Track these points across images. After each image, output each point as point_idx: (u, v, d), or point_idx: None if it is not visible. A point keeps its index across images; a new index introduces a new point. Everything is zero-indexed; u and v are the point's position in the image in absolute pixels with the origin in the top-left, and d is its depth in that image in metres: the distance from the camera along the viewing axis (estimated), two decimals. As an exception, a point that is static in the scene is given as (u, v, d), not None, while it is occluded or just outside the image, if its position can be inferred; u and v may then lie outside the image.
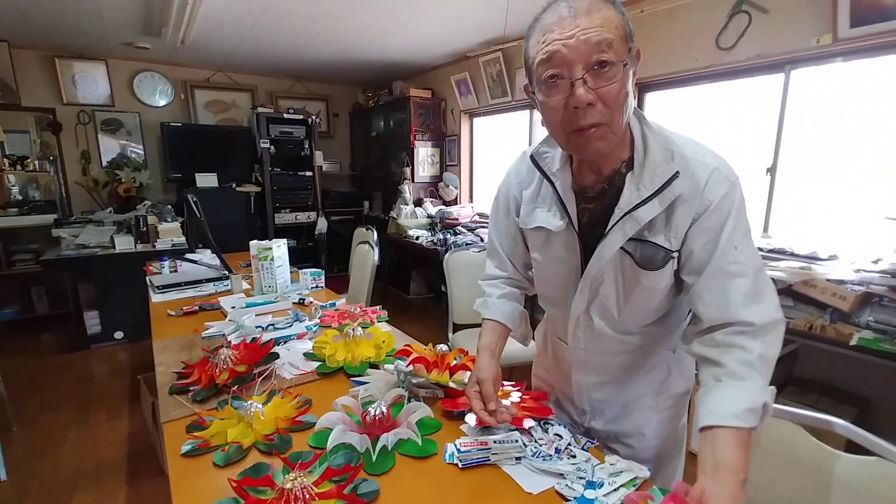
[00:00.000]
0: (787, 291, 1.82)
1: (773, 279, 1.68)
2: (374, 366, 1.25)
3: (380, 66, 4.30)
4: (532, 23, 0.76)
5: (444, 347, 1.16)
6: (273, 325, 1.57)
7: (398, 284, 4.56)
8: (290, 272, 2.18)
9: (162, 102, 4.30)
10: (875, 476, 0.70)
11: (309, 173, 4.48)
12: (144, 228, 3.54)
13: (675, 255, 0.81)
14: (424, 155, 4.37)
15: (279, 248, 2.02)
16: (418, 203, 4.21)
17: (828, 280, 1.78)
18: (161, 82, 4.28)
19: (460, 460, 0.86)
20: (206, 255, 2.62)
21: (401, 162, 4.32)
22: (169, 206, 3.84)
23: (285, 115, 4.34)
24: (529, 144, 3.64)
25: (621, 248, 0.82)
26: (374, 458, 0.86)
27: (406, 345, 1.23)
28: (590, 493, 0.77)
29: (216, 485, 0.81)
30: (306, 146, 4.45)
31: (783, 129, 2.22)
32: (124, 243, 3.45)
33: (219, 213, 3.85)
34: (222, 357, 1.17)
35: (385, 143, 4.69)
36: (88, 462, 2.04)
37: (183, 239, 3.58)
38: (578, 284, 0.89)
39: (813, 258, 1.95)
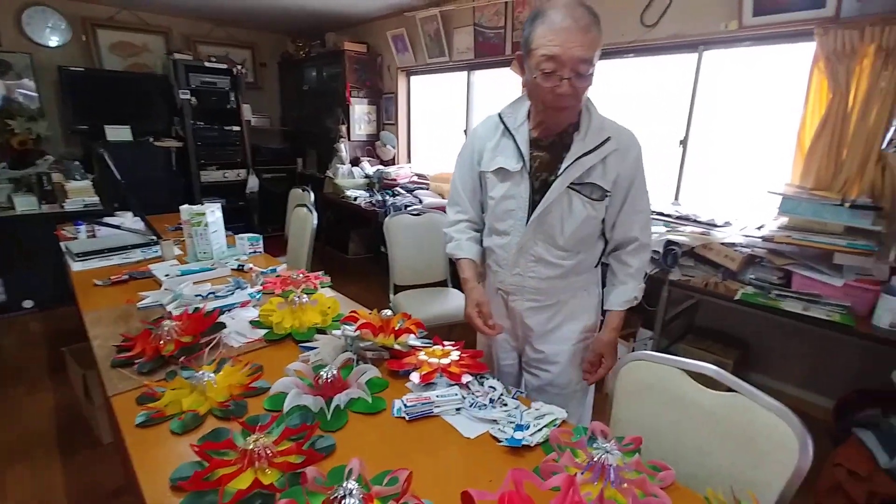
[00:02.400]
0: (689, 253, 2.08)
1: (678, 243, 1.90)
2: (322, 331, 1.31)
3: (310, 15, 4.04)
4: (541, 12, 1.00)
5: (388, 312, 1.25)
6: (214, 293, 1.56)
7: (336, 244, 4.52)
8: (226, 236, 2.13)
9: (56, 42, 3.79)
10: (733, 406, 0.89)
11: (237, 128, 4.22)
12: (49, 187, 3.21)
13: (609, 193, 1.14)
14: (361, 112, 4.26)
15: (213, 213, 1.96)
16: (355, 162, 4.14)
17: (722, 244, 2.05)
18: (54, 18, 3.75)
19: (407, 414, 0.97)
20: (128, 219, 2.46)
21: (336, 118, 4.19)
22: (76, 162, 3.48)
23: (206, 64, 4.00)
24: (468, 106, 3.68)
25: (571, 186, 1.11)
26: (328, 416, 0.94)
27: (352, 311, 1.30)
28: (518, 434, 0.91)
29: (176, 451, 0.86)
30: (232, 98, 4.16)
31: (695, 104, 2.44)
32: (25, 204, 3.12)
33: (136, 169, 3.55)
34: (166, 329, 1.18)
35: (318, 98, 4.50)
36: (14, 438, 1.95)
37: (97, 199, 3.29)
38: (529, 217, 1.15)
39: (711, 224, 2.22)
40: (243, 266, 1.87)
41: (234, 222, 3.64)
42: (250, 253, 2.08)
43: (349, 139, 4.17)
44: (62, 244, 2.14)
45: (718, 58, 2.37)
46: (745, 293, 1.89)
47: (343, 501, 0.66)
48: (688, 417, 0.94)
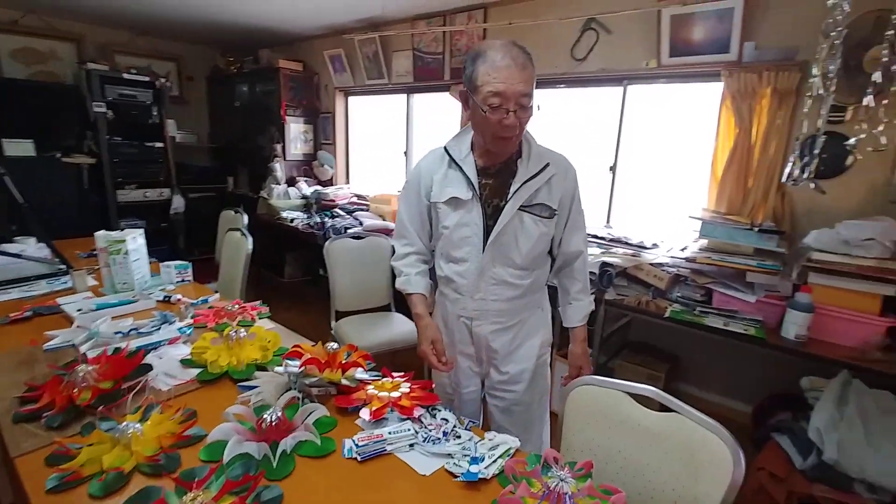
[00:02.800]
0: (622, 274, 2.20)
1: (611, 264, 1.99)
2: (262, 368, 1.24)
3: (243, 29, 3.91)
4: (480, 52, 1.10)
5: (334, 346, 1.20)
6: (136, 329, 1.42)
7: (272, 267, 4.32)
8: (150, 263, 1.96)
9: (-57, 44, 3.37)
10: (673, 425, 0.94)
11: (159, 144, 3.93)
12: (-72, 208, 2.79)
13: (557, 212, 1.24)
14: (297, 131, 4.15)
15: (135, 240, 1.81)
16: (291, 182, 4.00)
17: (651, 264, 2.20)
18: (-60, 18, 3.33)
19: (359, 454, 0.93)
20: (31, 245, 2.20)
21: (270, 137, 4.05)
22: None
23: (125, 76, 3.72)
24: (407, 128, 3.70)
25: (522, 208, 1.20)
26: (274, 463, 0.88)
27: (295, 345, 1.24)
28: (474, 468, 0.90)
29: (96, 519, 0.76)
30: (155, 113, 3.89)
31: (622, 133, 2.63)
32: None
33: (41, 188, 3.23)
34: (80, 374, 1.05)
35: (251, 115, 4.32)
36: None
37: (-10, 223, 2.92)
38: (486, 242, 1.21)
39: (641, 246, 2.38)
40: (170, 297, 1.73)
41: (158, 245, 3.37)
42: (178, 282, 1.93)
43: (284, 158, 4.04)
44: (-54, 276, 1.86)
45: (641, 92, 2.57)
46: (673, 311, 2.02)
47: (296, 563, 0.62)
48: (633, 438, 0.98)
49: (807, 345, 1.79)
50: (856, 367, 1.64)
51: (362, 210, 3.58)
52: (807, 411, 1.60)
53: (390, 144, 3.91)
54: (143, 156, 3.86)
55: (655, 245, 2.40)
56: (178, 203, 4.06)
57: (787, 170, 1.60)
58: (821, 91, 1.45)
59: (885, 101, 1.48)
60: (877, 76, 1.39)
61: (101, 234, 1.77)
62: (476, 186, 1.21)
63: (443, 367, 1.25)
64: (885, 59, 1.40)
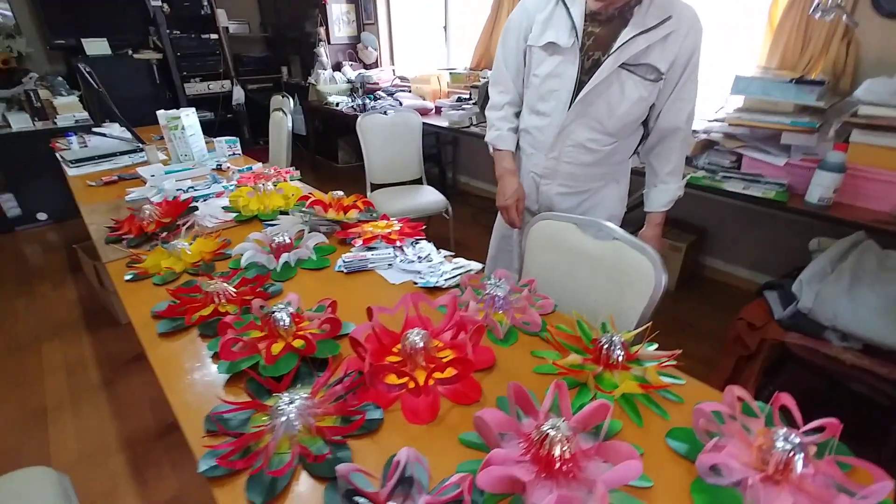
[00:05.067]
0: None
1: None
2: (285, 213, 1.49)
3: None
4: None
5: (339, 193, 1.41)
6: (193, 187, 1.73)
7: (326, 153, 4.61)
8: (206, 142, 2.26)
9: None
10: (611, 250, 1.06)
11: (214, 36, 4.13)
12: (38, 104, 3.30)
13: (664, 76, 1.09)
14: (339, 12, 4.12)
15: (188, 117, 2.07)
16: (337, 67, 4.09)
17: (680, 129, 2.11)
18: (9, -81, 3.56)
19: (345, 267, 1.16)
20: (116, 129, 2.58)
21: (314, 21, 4.06)
22: (60, 79, 3.53)
23: (174, -35, 3.83)
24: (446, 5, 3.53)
25: (625, 65, 1.07)
26: (278, 269, 1.14)
27: (309, 193, 1.46)
28: (433, 279, 1.10)
29: (156, 296, 1.07)
30: (205, 3, 4.03)
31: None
32: (20, 121, 3.23)
33: (119, 84, 3.59)
34: (147, 212, 1.37)
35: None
36: (46, 322, 2.27)
37: (86, 114, 3.39)
38: (575, 97, 1.12)
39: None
40: (221, 165, 2.02)
41: (224, 135, 3.72)
42: (229, 155, 2.22)
43: (329, 42, 4.08)
44: (57, 154, 2.29)
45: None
46: (692, 177, 1.99)
47: (274, 315, 0.87)
48: (577, 263, 1.12)
49: (830, 208, 1.73)
50: (878, 231, 1.59)
51: (404, 91, 3.63)
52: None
53: (431, 21, 3.78)
54: (201, 48, 4.10)
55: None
56: (238, 94, 4.34)
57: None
58: None
59: None
60: None
61: (161, 113, 2.05)
62: (579, 34, 1.08)
63: (517, 223, 1.28)
64: None
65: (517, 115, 1.31)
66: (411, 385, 0.78)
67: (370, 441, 0.70)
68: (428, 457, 0.67)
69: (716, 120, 2.07)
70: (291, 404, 0.69)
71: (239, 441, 0.67)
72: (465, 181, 3.97)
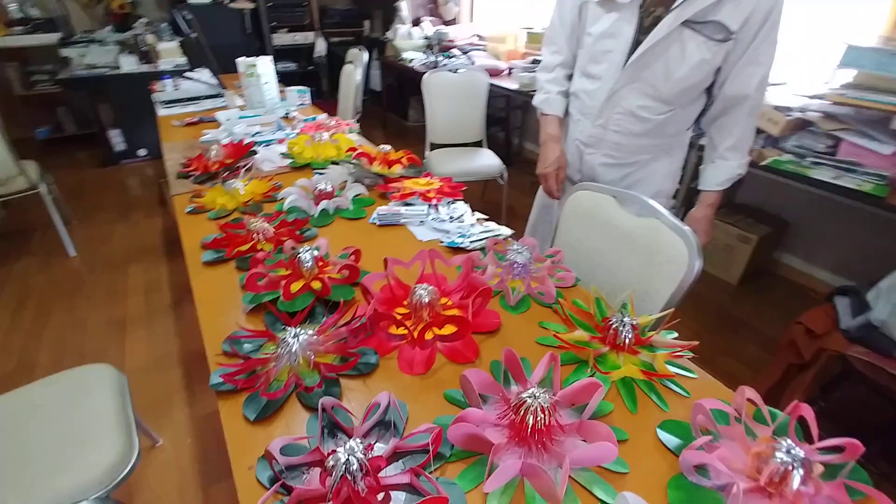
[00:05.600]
0: (729, 116, 1.94)
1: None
2: (336, 163, 1.55)
3: None
4: None
5: (386, 147, 1.44)
6: (259, 133, 1.84)
7: (397, 110, 4.65)
8: (280, 91, 2.37)
9: None
10: (647, 228, 1.00)
11: (303, -14, 4.24)
12: (145, 48, 3.61)
13: (734, 36, 0.95)
14: (424, -35, 4.03)
15: (264, 65, 2.18)
16: (416, 23, 4.04)
17: (775, 107, 1.88)
18: None
19: (378, 219, 1.20)
20: (205, 75, 2.78)
21: (399, -27, 4.02)
22: (165, 24, 3.82)
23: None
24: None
25: (689, 23, 0.94)
26: (316, 216, 1.20)
27: (359, 145, 1.50)
28: (459, 239, 1.10)
29: (208, 229, 1.17)
30: (296, -48, 4.12)
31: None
32: (129, 64, 3.57)
33: (214, 31, 3.81)
34: (213, 153, 1.48)
35: (383, -50, 4.28)
36: (135, 246, 2.58)
37: (185, 59, 3.66)
38: (628, 59, 1.02)
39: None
40: (289, 114, 2.12)
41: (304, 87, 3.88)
42: (298, 105, 2.32)
43: (411, -4, 4.03)
44: (153, 95, 2.52)
45: None
46: (775, 160, 1.78)
47: (299, 256, 0.92)
48: (609, 238, 1.07)
49: (943, 209, 1.49)
50: None
51: (479, 50, 3.53)
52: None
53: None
54: (290, -1, 4.23)
55: (782, 83, 2.01)
56: (321, 47, 4.45)
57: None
58: None
59: None
60: None
61: (240, 60, 2.17)
62: None
63: (556, 193, 1.23)
64: None
65: (569, 77, 1.23)
66: (412, 336, 0.80)
67: (361, 383, 0.74)
68: (411, 406, 0.69)
69: (816, 97, 1.81)
70: (297, 338, 0.74)
71: (245, 364, 0.74)
72: (530, 148, 3.85)
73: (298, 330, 0.76)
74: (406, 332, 0.81)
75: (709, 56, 0.97)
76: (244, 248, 1.06)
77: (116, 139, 3.68)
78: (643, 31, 1.00)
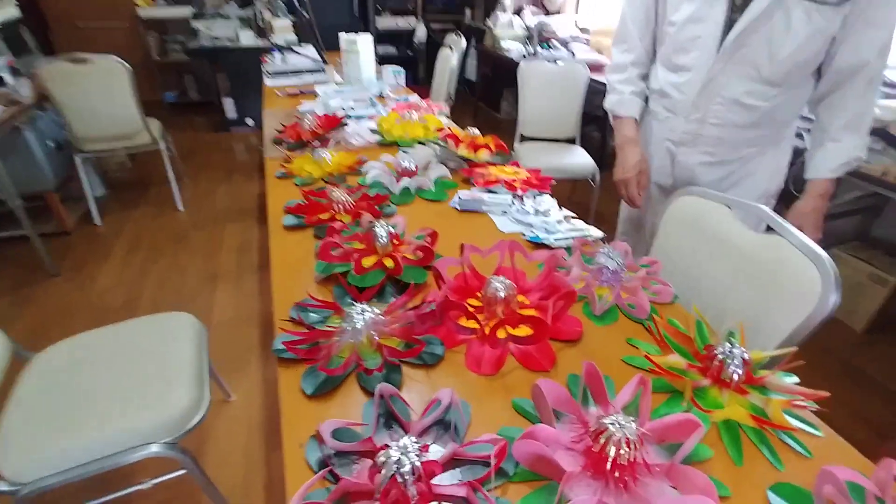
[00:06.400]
0: (880, 132, 1.65)
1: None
2: (422, 143, 1.51)
3: None
4: None
5: (475, 131, 1.37)
6: (353, 107, 1.86)
7: (490, 102, 4.56)
8: (377, 71, 2.39)
9: None
10: (767, 246, 0.84)
11: (411, -29, 4.27)
12: (262, 24, 3.84)
13: None
14: (535, -48, 3.88)
15: (364, 43, 2.20)
16: (518, 12, 3.92)
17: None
18: None
19: (459, 204, 1.14)
20: (311, 51, 2.89)
21: (508, -40, 3.91)
22: (281, 2, 4.03)
23: None
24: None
25: None
26: (397, 193, 1.17)
27: (448, 127, 1.45)
28: (543, 235, 1.01)
29: (293, 195, 1.18)
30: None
31: None
32: (247, 38, 3.82)
33: (324, 11, 3.94)
34: (307, 122, 1.51)
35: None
36: (234, 206, 2.77)
37: (295, 38, 3.86)
38: (723, 41, 0.91)
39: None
40: (383, 93, 2.13)
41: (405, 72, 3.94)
42: (393, 85, 2.32)
43: (517, -16, 3.91)
44: (262, 66, 2.66)
45: None
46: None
47: (375, 230, 0.89)
48: (721, 253, 0.92)
49: None
50: None
51: (581, 43, 3.34)
52: None
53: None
54: (397, -18, 4.28)
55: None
56: (421, 32, 4.48)
57: None
58: None
59: None
60: None
61: (343, 36, 2.21)
62: None
63: (638, 200, 1.10)
64: None
65: (643, 77, 1.10)
66: (482, 332, 0.73)
67: (424, 374, 0.69)
68: (475, 409, 0.63)
69: None
70: (363, 314, 0.71)
71: (309, 334, 0.71)
72: (628, 152, 3.59)
73: (366, 306, 0.72)
74: (477, 326, 0.74)
75: (822, 24, 0.82)
76: (324, 216, 1.05)
77: (229, 107, 3.97)
78: (736, 9, 0.87)
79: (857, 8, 0.82)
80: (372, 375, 0.66)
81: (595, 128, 3.44)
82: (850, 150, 0.93)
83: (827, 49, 0.89)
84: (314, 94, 2.11)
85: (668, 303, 0.87)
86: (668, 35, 1.00)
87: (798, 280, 0.79)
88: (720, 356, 0.66)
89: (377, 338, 0.71)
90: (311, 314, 0.78)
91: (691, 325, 0.77)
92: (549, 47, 3.30)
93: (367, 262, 0.86)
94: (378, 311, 0.73)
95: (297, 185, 1.24)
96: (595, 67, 2.83)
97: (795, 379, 0.69)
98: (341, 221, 1.03)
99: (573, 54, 3.07)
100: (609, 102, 1.16)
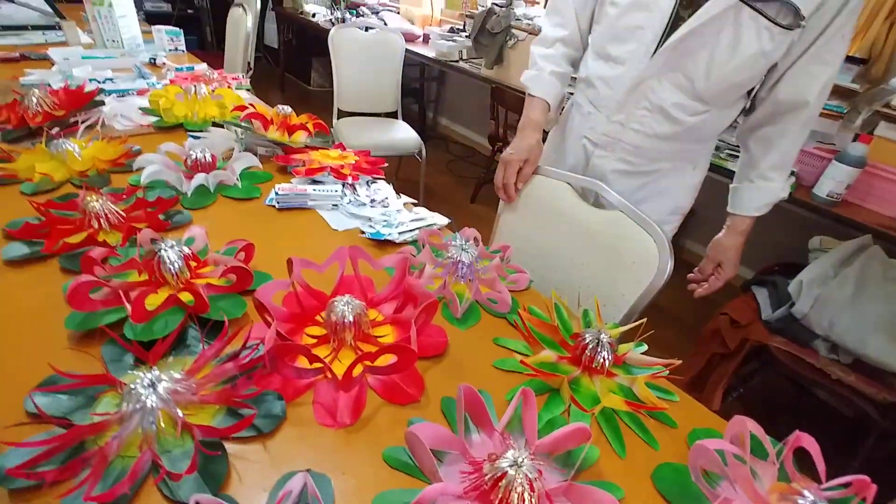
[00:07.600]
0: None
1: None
2: (219, 125, 1.21)
3: None
4: None
5: (287, 109, 1.14)
6: (112, 80, 1.41)
7: (298, 73, 4.15)
8: (144, 32, 1.88)
9: None
10: (610, 222, 0.87)
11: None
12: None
13: (804, 23, 0.74)
14: None
15: (119, -7, 1.69)
16: (320, -28, 3.58)
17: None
18: None
19: (278, 201, 0.93)
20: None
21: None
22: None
23: None
24: None
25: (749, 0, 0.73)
26: (189, 194, 0.90)
27: (250, 104, 1.19)
28: (385, 230, 0.88)
29: (18, 210, 0.81)
30: None
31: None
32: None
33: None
34: (34, 100, 1.06)
35: None
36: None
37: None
38: (664, 40, 0.81)
39: None
40: (155, 60, 1.68)
41: (186, 36, 3.24)
42: (170, 50, 1.86)
43: (313, -60, 3.54)
44: (-46, 18, 1.87)
45: None
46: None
47: (162, 254, 0.64)
48: (567, 231, 0.93)
49: (838, 206, 1.60)
50: (885, 237, 1.46)
51: (391, 12, 3.22)
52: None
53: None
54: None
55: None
56: (202, -13, 3.77)
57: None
58: None
59: None
60: None
61: (83, -18, 1.66)
62: None
63: (512, 192, 0.98)
64: None
65: (570, 61, 1.00)
66: (331, 373, 0.58)
67: (261, 448, 0.51)
68: (338, 480, 0.48)
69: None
70: (154, 384, 0.48)
71: (63, 437, 0.46)
72: (445, 124, 3.66)
73: (157, 371, 0.50)
74: (321, 365, 0.58)
75: (769, 47, 0.77)
76: (76, 238, 0.73)
77: None
78: (685, 5, 0.78)
79: (808, 38, 0.78)
80: (180, 480, 0.45)
81: (413, 100, 3.40)
82: (777, 190, 0.92)
83: (764, 75, 0.86)
84: (48, 61, 1.55)
85: (524, 289, 0.83)
86: (608, 17, 0.89)
87: (639, 252, 0.83)
88: (590, 344, 0.63)
89: (181, 414, 0.49)
90: (64, 400, 0.51)
91: (551, 310, 0.74)
92: (359, 14, 3.09)
93: (154, 300, 0.61)
94: (179, 374, 0.51)
95: (24, 193, 0.85)
96: (409, 38, 2.75)
97: (645, 347, 0.71)
98: (106, 243, 0.73)
99: (385, 23, 2.92)
100: (525, 76, 1.02)
